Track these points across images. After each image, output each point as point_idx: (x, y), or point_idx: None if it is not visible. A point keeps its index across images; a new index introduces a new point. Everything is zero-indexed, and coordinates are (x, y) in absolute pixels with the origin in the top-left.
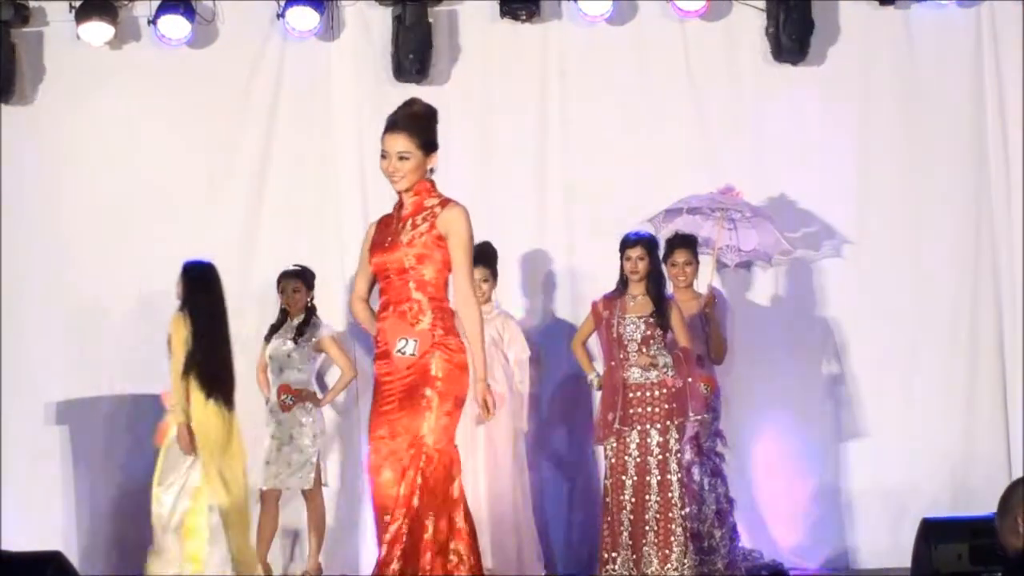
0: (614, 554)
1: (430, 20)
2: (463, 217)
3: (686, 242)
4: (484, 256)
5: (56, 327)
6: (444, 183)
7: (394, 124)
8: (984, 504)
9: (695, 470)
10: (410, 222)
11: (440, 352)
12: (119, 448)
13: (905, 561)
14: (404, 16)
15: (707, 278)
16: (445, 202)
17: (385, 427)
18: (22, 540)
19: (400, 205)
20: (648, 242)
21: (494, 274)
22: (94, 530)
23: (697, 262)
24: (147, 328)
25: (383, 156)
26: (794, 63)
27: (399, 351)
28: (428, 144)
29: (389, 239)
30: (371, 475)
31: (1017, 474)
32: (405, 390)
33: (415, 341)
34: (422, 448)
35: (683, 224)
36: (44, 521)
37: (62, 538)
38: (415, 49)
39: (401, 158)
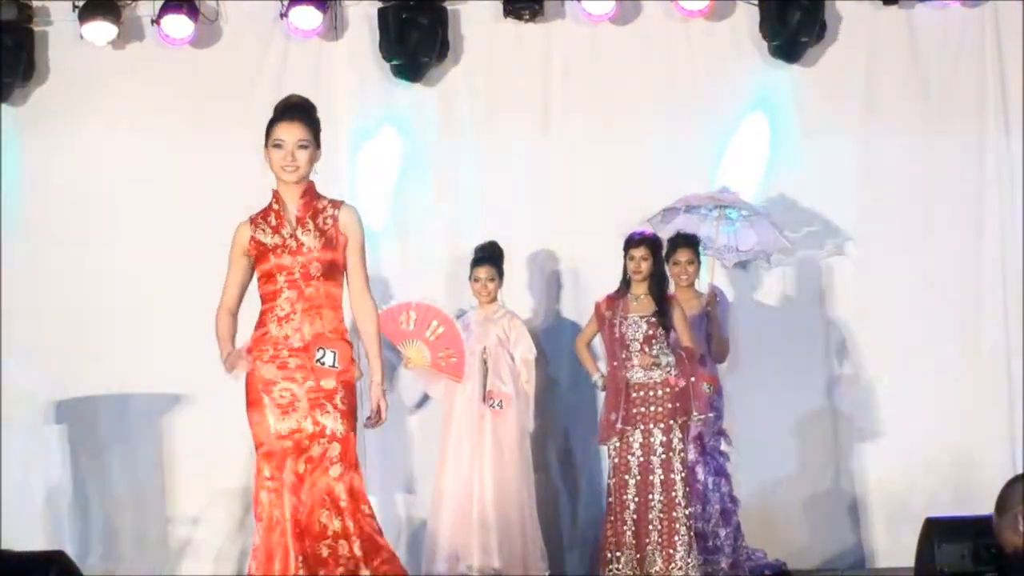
0: (618, 553)
1: (433, 20)
2: (359, 217)
3: (689, 241)
4: (491, 256)
5: (56, 327)
6: (448, 183)
7: (288, 113)
8: (988, 504)
9: (699, 469)
10: (310, 224)
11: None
12: (119, 448)
13: (908, 560)
14: (407, 16)
15: (708, 277)
16: (337, 203)
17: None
18: (22, 540)
19: (280, 205)
20: (652, 242)
21: (500, 274)
22: (94, 530)
23: (699, 261)
24: (147, 328)
25: (277, 146)
26: (798, 63)
27: (319, 361)
28: (318, 136)
29: (288, 241)
30: None
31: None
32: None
33: (334, 352)
34: None
35: (682, 223)
36: (44, 521)
37: (61, 537)
38: (418, 49)
39: (301, 147)
